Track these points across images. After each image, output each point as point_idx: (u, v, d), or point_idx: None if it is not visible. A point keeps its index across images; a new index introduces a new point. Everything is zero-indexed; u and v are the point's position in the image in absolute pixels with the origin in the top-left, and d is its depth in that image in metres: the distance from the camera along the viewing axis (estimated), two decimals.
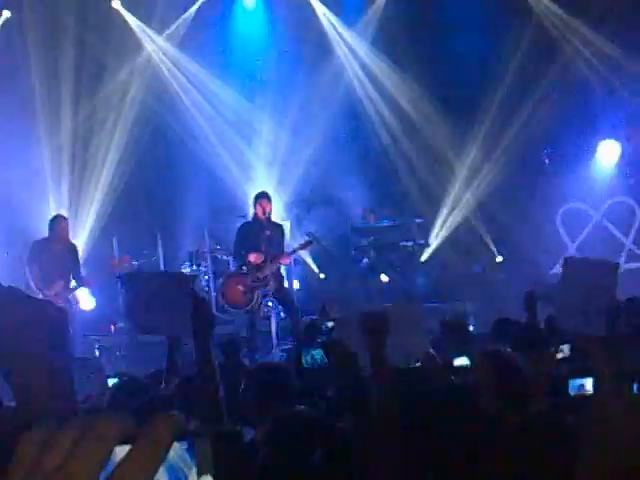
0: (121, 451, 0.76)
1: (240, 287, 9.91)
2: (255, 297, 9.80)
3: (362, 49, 14.03)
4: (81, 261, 10.44)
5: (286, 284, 10.81)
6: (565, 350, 4.22)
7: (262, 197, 10.02)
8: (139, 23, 13.82)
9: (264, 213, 9.86)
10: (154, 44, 14.01)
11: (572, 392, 3.69)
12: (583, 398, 3.60)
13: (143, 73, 13.96)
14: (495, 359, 3.64)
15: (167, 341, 4.99)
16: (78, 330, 9.78)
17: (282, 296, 10.07)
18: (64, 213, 11.09)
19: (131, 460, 0.75)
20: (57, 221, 10.05)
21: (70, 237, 10.32)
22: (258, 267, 9.81)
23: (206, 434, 0.80)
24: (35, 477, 0.74)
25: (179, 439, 0.78)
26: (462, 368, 4.45)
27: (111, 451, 0.75)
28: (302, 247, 10.23)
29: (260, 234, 9.76)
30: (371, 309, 3.63)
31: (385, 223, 13.34)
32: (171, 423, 0.78)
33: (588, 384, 3.69)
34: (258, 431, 3.47)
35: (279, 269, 10.10)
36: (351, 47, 14.09)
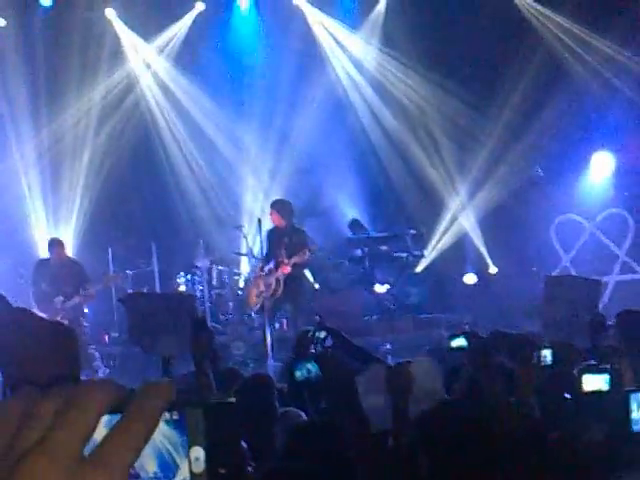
0: (109, 422, 0.72)
1: (254, 289, 10.57)
2: (262, 301, 10.27)
3: (361, 55, 14.03)
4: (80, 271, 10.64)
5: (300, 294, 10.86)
6: (548, 356, 4.24)
7: (271, 207, 10.55)
8: (130, 33, 13.80)
9: (276, 222, 10.38)
10: (144, 53, 14.01)
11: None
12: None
13: (136, 82, 13.98)
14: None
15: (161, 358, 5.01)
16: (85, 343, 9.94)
17: (285, 304, 10.35)
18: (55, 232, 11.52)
19: (120, 430, 0.71)
20: (51, 244, 10.69)
21: (68, 254, 10.95)
22: (270, 273, 10.27)
23: (199, 405, 0.78)
24: (15, 449, 0.69)
25: (170, 409, 0.75)
26: (460, 349, 4.49)
27: (97, 421, 0.71)
28: (300, 257, 10.31)
29: (279, 241, 10.22)
30: (395, 366, 3.71)
31: (379, 234, 13.36)
32: (163, 392, 0.74)
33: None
34: None
35: (292, 277, 10.27)
36: (348, 53, 14.09)
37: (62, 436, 0.69)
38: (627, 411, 3.00)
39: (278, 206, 10.46)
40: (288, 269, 10.17)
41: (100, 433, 0.71)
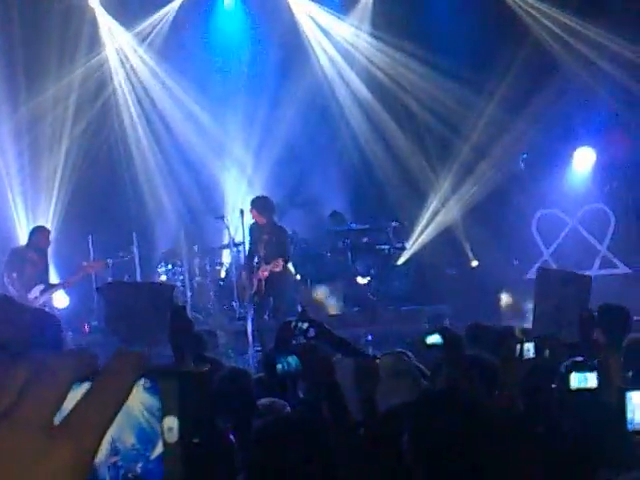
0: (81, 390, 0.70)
1: (241, 282, 10.88)
2: (247, 295, 10.50)
3: (351, 41, 13.99)
4: (55, 259, 10.59)
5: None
6: (530, 350, 4.23)
7: (250, 205, 10.55)
8: (112, 20, 13.68)
9: (257, 219, 10.42)
10: (125, 41, 13.91)
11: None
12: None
13: (119, 70, 13.89)
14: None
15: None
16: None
17: (268, 297, 10.39)
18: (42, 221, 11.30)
19: (90, 399, 0.69)
20: (38, 231, 10.57)
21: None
22: (253, 271, 10.39)
23: (172, 373, 0.76)
24: None
25: (145, 377, 0.74)
26: (435, 346, 4.48)
27: (68, 390, 0.69)
28: (274, 266, 10.31)
29: (259, 238, 10.34)
30: (363, 360, 3.72)
31: (361, 226, 13.38)
32: (135, 359, 0.73)
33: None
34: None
35: (271, 275, 10.27)
36: (335, 41, 14.04)
37: (30, 405, 0.67)
38: (622, 410, 2.98)
39: (257, 204, 10.50)
40: (266, 274, 10.25)
41: (71, 402, 0.69)
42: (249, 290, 10.42)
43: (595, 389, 3.56)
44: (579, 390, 3.62)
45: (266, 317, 10.78)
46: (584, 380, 3.63)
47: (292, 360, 4.41)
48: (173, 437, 0.75)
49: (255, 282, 10.34)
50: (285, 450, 2.89)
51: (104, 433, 0.69)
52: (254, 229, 10.54)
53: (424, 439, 3.00)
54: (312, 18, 14.08)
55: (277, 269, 10.19)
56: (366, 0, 13.83)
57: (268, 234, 10.29)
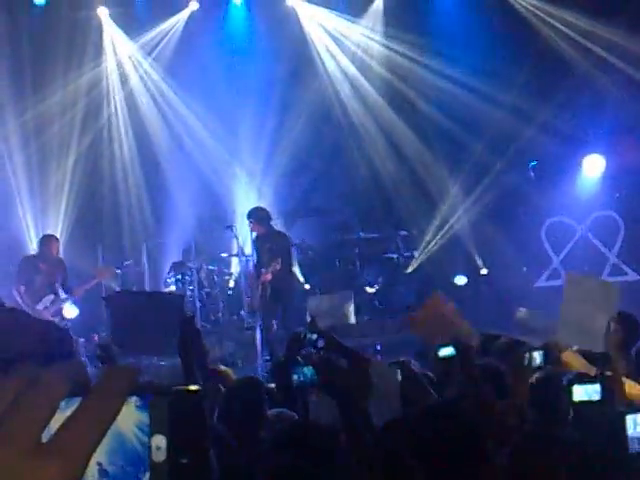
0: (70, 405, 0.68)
1: (250, 290, 11.05)
2: (255, 305, 10.75)
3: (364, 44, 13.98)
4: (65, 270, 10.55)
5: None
6: (537, 358, 4.20)
7: (247, 219, 10.81)
8: (120, 32, 13.74)
9: (257, 230, 10.69)
10: (131, 51, 13.96)
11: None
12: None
13: (129, 79, 13.94)
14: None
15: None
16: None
17: (275, 304, 10.59)
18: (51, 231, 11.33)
19: (82, 413, 0.68)
20: (48, 240, 10.56)
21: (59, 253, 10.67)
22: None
23: (162, 391, 0.74)
24: None
25: (135, 394, 0.72)
26: (448, 358, 4.45)
27: (58, 404, 0.68)
28: (272, 267, 10.51)
29: (262, 247, 10.62)
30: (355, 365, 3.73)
31: (370, 235, 13.36)
32: (126, 375, 0.71)
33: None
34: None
35: (278, 279, 10.48)
36: (346, 46, 14.03)
37: (19, 421, 0.66)
38: (624, 432, 2.93)
39: (253, 216, 10.76)
40: (268, 277, 10.51)
41: (60, 418, 0.68)
42: (256, 299, 10.60)
43: (598, 402, 3.52)
44: (583, 402, 3.58)
45: (275, 326, 10.81)
46: (587, 393, 3.59)
47: (308, 371, 4.41)
48: (161, 456, 0.73)
49: (259, 287, 10.55)
50: (294, 456, 2.89)
51: (93, 451, 0.68)
52: (257, 240, 10.77)
53: (427, 449, 2.99)
54: (321, 25, 14.07)
55: (277, 267, 10.41)
56: (377, 3, 13.84)
57: (270, 242, 10.54)
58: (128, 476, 0.74)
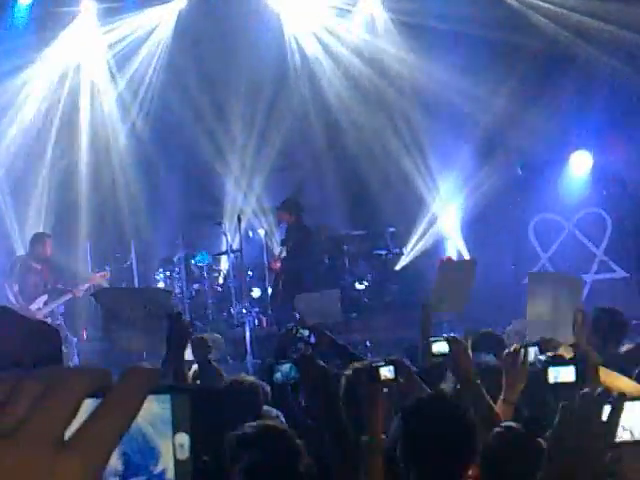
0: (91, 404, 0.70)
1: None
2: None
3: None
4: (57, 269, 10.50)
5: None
6: (532, 354, 4.23)
7: (277, 210, 11.96)
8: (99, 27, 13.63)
9: (282, 222, 11.97)
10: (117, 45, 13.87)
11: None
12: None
13: (115, 74, 13.87)
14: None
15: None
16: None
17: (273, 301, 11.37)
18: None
19: (101, 414, 0.69)
20: (40, 238, 10.33)
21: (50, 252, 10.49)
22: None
23: (185, 390, 0.76)
24: None
25: (155, 392, 0.73)
26: (441, 355, 4.47)
27: (79, 406, 0.69)
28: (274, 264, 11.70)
29: (286, 240, 11.69)
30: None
31: (359, 232, 13.38)
32: (146, 376, 0.72)
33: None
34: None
35: (282, 274, 11.37)
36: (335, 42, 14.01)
37: (41, 420, 0.67)
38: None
39: (278, 209, 11.84)
40: (277, 265, 11.50)
41: (81, 417, 0.69)
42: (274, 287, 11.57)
43: (572, 383, 3.54)
44: (556, 384, 3.61)
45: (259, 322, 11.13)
46: (560, 374, 3.61)
47: (290, 369, 4.40)
48: (184, 454, 0.75)
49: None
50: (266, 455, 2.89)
51: (114, 447, 0.69)
52: (285, 231, 11.88)
53: (416, 444, 3.00)
54: (309, 21, 14.00)
55: (277, 265, 11.32)
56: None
57: (290, 235, 11.53)
58: (141, 468, 0.75)
